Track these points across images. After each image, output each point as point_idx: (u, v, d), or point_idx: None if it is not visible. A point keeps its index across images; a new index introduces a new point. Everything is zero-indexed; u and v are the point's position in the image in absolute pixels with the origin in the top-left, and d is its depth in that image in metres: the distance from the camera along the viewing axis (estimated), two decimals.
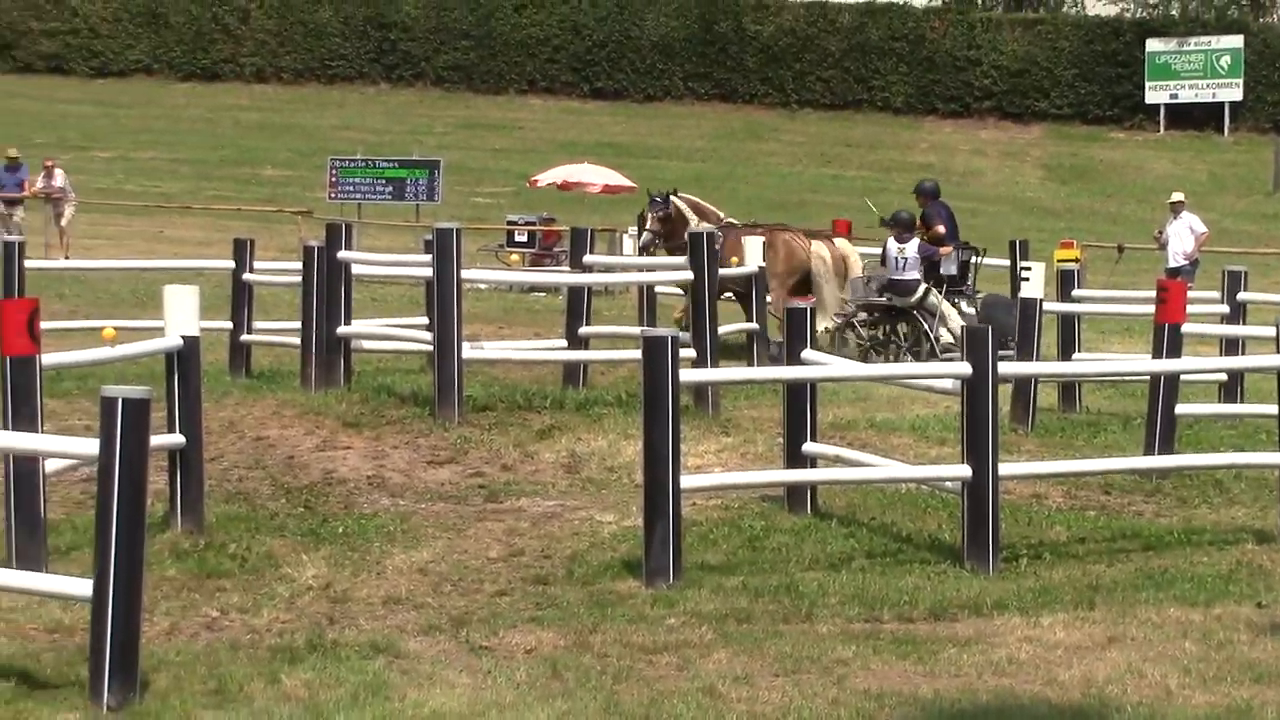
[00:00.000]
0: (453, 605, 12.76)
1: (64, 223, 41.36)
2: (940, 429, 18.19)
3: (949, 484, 14.59)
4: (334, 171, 45.74)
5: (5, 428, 13.03)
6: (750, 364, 21.33)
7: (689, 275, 19.94)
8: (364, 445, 17.48)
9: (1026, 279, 21.05)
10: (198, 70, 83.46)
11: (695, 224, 24.94)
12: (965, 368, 14.00)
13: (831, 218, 32.78)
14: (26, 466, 12.95)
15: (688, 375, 14.61)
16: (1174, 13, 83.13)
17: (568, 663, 11.27)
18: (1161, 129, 77.93)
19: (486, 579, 13.48)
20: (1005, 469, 14.40)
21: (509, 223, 43.51)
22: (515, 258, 39.66)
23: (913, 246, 25.02)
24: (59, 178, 42.30)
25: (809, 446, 15.33)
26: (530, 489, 16.25)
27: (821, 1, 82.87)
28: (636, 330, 20.98)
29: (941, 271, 25.20)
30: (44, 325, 13.70)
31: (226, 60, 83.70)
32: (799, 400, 15.31)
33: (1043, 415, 20.11)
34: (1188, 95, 77.62)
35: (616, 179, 48.62)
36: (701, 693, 10.65)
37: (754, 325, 21.78)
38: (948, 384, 14.81)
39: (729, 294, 23.70)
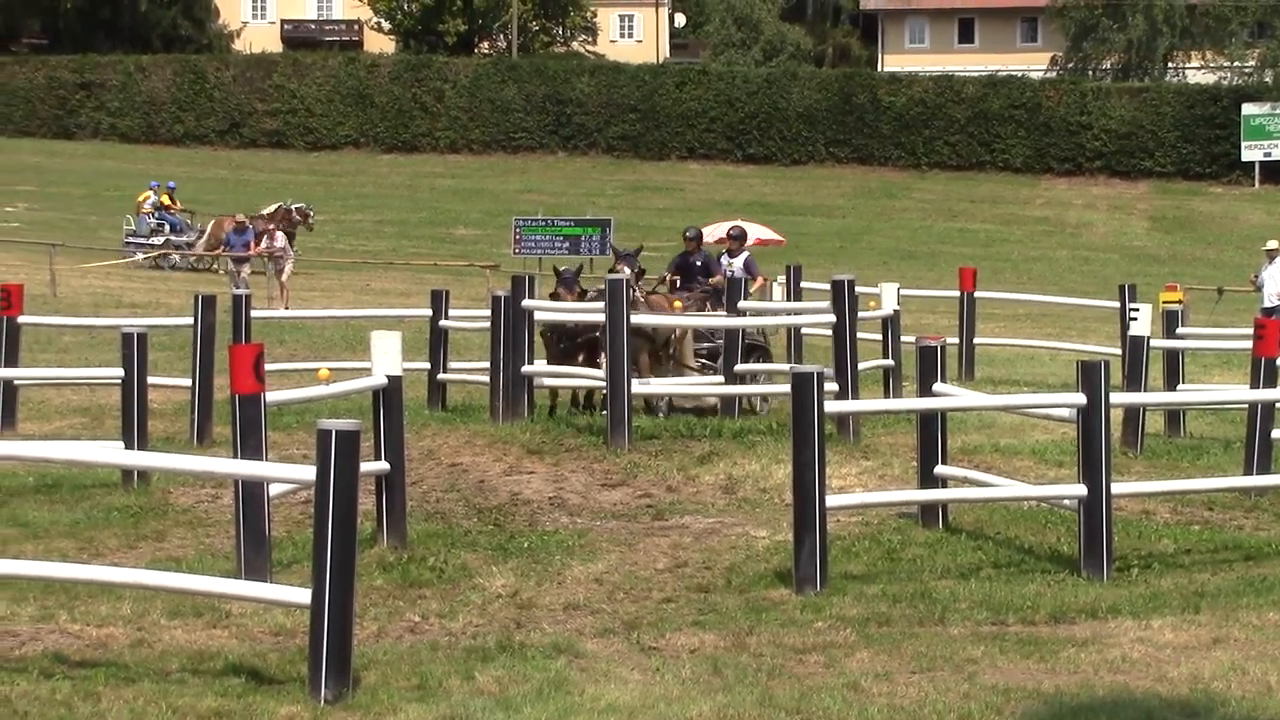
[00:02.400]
0: (625, 611, 12.74)
1: (284, 278, 41.86)
2: (1058, 453, 17.98)
3: (1067, 502, 14.42)
4: (518, 230, 46.10)
5: (235, 457, 13.20)
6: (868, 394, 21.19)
7: (832, 318, 19.86)
8: (545, 470, 17.51)
9: (1135, 319, 20.80)
10: (399, 143, 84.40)
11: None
12: (1081, 398, 13.84)
13: (958, 266, 32.48)
14: (253, 490, 13.10)
15: (831, 406, 14.53)
16: (1267, 79, 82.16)
17: (727, 661, 11.23)
18: (1256, 184, 76.96)
19: (654, 587, 13.46)
20: (1118, 488, 14.21)
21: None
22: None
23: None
24: (279, 239, 42.84)
25: (940, 469, 15.22)
26: (692, 508, 16.21)
27: (948, 75, 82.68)
28: (785, 367, 20.92)
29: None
30: (267, 367, 13.86)
31: (424, 134, 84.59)
32: (931, 428, 15.22)
33: (1151, 440, 19.85)
34: None
35: (767, 234, 48.66)
36: (846, 688, 10.58)
37: (890, 362, 21.66)
38: (1064, 412, 14.64)
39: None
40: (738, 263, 24.17)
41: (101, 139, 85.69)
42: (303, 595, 10.45)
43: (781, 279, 32.21)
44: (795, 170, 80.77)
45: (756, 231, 48.43)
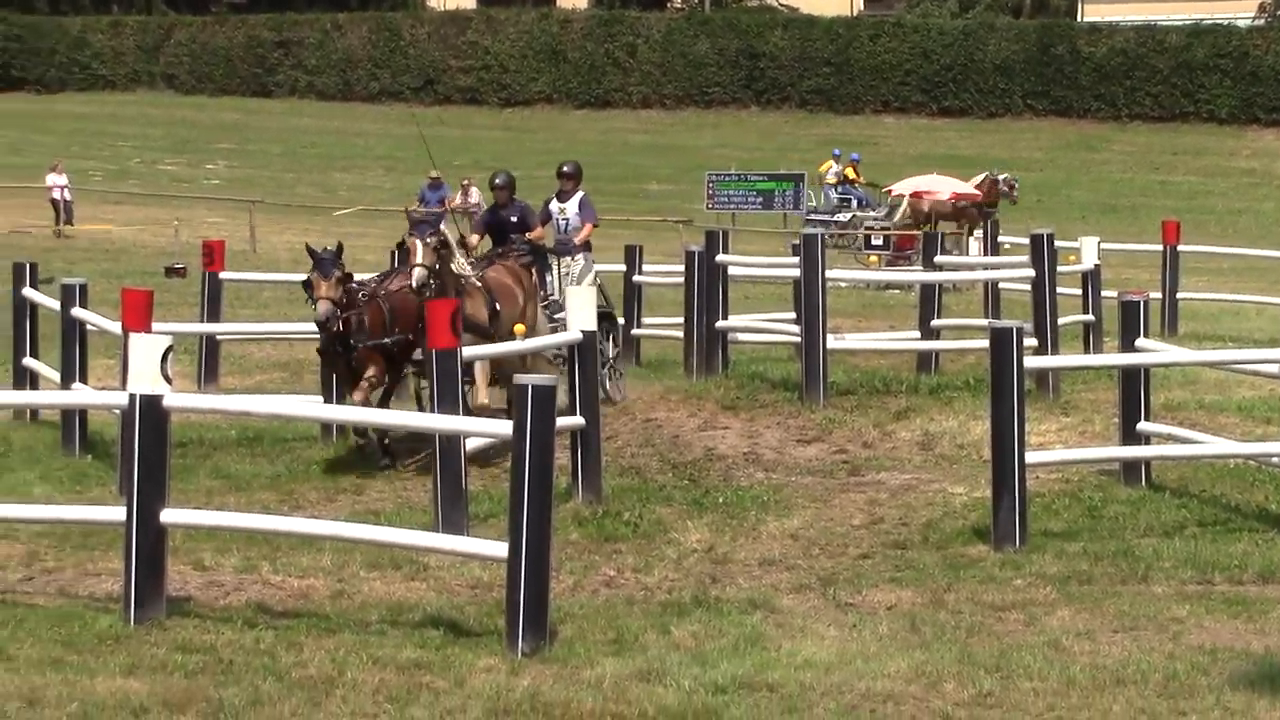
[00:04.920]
0: (821, 566, 12.73)
1: None
2: (1265, 409, 17.61)
3: (1275, 459, 14.15)
4: (711, 185, 46.00)
5: (432, 411, 13.34)
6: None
7: (1031, 273, 19.64)
8: (740, 425, 17.50)
9: None
10: (592, 99, 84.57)
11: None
12: None
13: (1161, 219, 31.92)
14: (451, 445, 13.24)
15: (1031, 361, 14.37)
16: None
17: (925, 618, 11.18)
18: None
19: (850, 543, 13.43)
20: None
21: (866, 228, 43.26)
22: (873, 259, 39.51)
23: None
24: (474, 194, 43.23)
25: (1143, 425, 15.00)
26: (888, 464, 16.13)
27: (1150, 24, 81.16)
28: (983, 322, 20.73)
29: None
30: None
31: (617, 89, 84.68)
32: (1133, 383, 15.00)
33: None
34: None
35: (963, 188, 48.16)
36: (1047, 646, 10.48)
37: (1090, 317, 21.37)
38: (1272, 368, 14.35)
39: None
40: (570, 207, 19.44)
41: (298, 97, 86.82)
42: (500, 549, 10.54)
43: (979, 233, 31.95)
44: (991, 123, 79.77)
45: (952, 186, 47.99)
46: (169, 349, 11.31)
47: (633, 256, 22.63)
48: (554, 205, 19.48)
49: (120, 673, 9.87)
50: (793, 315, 21.15)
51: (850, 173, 47.60)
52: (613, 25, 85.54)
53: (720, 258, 20.00)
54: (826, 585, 12.12)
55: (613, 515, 14.00)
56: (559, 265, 19.22)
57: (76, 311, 17.07)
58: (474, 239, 18.51)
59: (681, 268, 21.01)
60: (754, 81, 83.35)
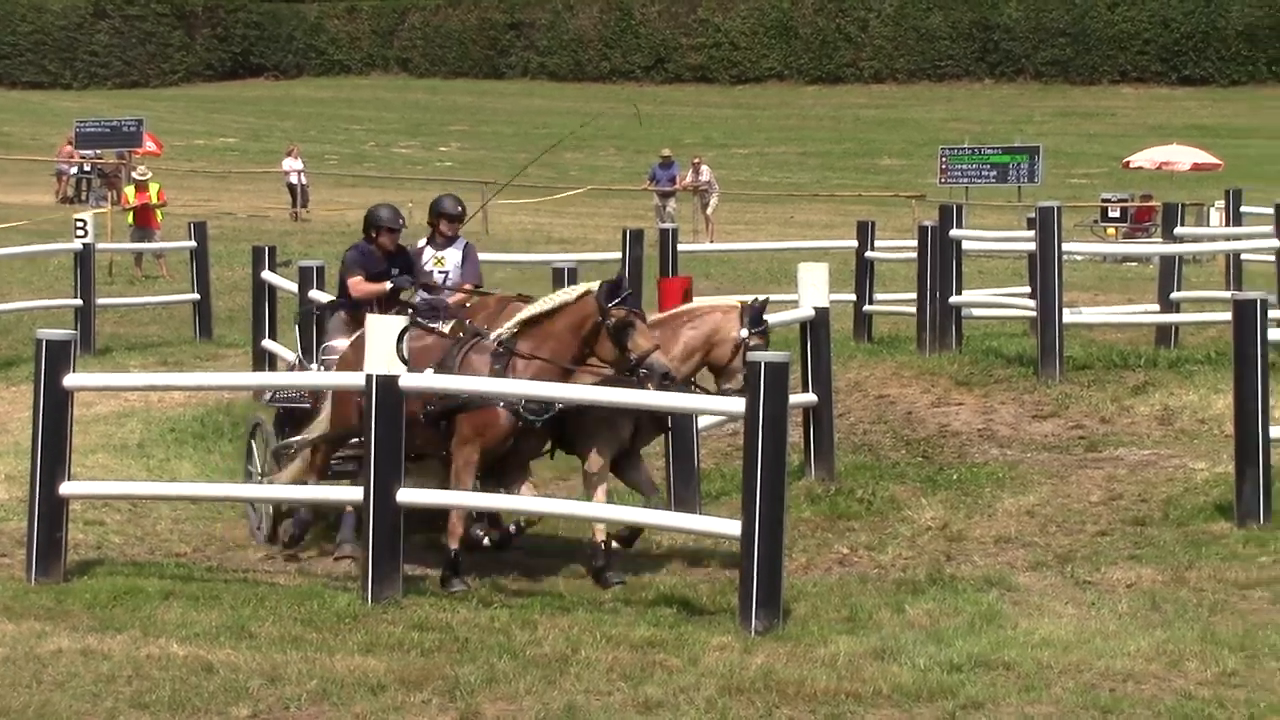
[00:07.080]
0: (1058, 544, 12.57)
1: (709, 211, 42.30)
2: None
3: None
4: (944, 159, 45.54)
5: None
6: None
7: (1275, 243, 19.21)
8: (974, 402, 17.33)
9: None
10: (823, 74, 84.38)
11: None
12: None
13: None
14: (682, 423, 13.26)
15: (1276, 334, 14.03)
16: None
17: (1165, 596, 11.00)
18: None
19: (1088, 520, 13.24)
20: None
21: (1103, 200, 42.62)
22: (1111, 231, 39.00)
23: None
24: (705, 173, 43.28)
25: None
26: (1127, 439, 15.85)
27: None
28: (1225, 294, 20.28)
29: None
30: (695, 300, 14.01)
31: (848, 64, 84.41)
32: None
33: None
34: None
35: (1204, 158, 47.29)
36: None
37: None
38: None
39: None
40: (452, 257, 13.93)
41: (530, 78, 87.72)
42: (732, 527, 10.55)
43: (1220, 204, 31.30)
44: (1234, 91, 78.16)
45: (1193, 156, 47.13)
46: (405, 330, 11.49)
47: (864, 233, 22.47)
48: (426, 252, 13.95)
49: (359, 650, 10.05)
50: (1028, 290, 20.89)
51: None
52: (844, 0, 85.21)
53: (954, 232, 19.79)
54: (1064, 563, 11.96)
55: (846, 493, 13.94)
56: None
57: (314, 294, 17.36)
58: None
59: (913, 243, 20.84)
60: (987, 54, 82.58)
